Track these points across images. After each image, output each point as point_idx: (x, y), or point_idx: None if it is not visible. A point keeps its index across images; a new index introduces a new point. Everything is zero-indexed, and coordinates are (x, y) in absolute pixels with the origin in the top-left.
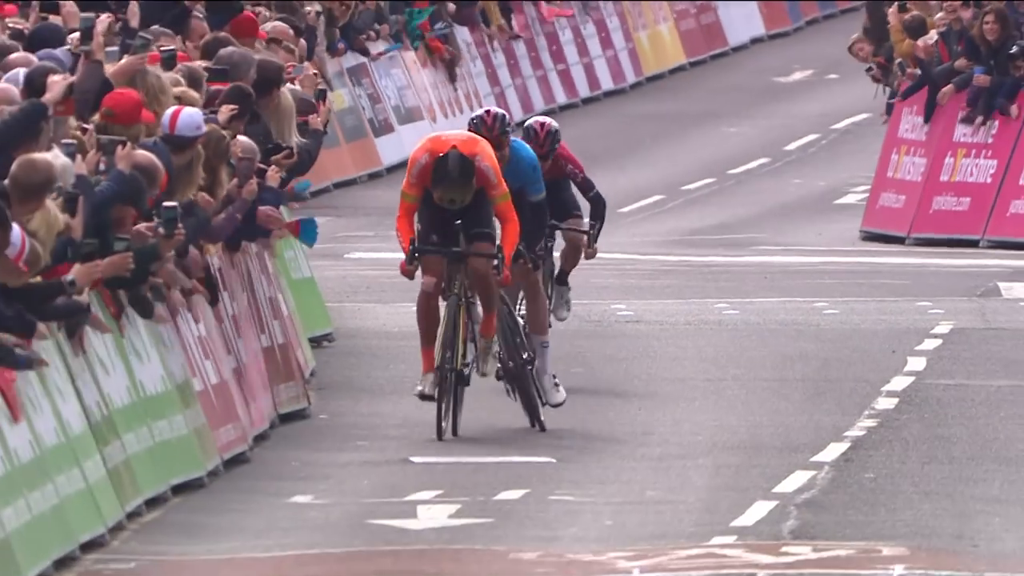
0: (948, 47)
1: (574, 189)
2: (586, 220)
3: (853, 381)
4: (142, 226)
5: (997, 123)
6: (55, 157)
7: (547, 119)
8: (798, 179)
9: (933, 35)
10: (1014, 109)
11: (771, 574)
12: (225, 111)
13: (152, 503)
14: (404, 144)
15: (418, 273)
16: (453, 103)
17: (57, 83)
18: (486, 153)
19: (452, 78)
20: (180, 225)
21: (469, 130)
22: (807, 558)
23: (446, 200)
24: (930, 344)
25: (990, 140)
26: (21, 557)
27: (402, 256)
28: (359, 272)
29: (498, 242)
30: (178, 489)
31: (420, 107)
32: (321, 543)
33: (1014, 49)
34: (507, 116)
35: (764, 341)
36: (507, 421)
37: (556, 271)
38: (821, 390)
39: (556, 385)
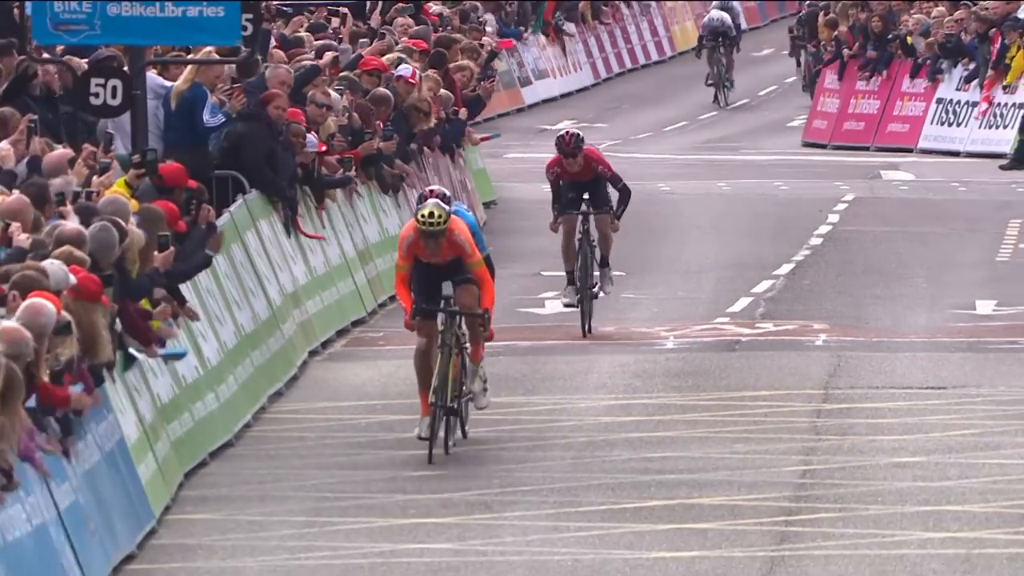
0: (853, 35)
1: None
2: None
3: (797, 228)
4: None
5: (879, 79)
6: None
7: (572, 129)
8: (766, 111)
9: (844, 28)
10: (886, 72)
11: (750, 339)
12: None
13: (393, 298)
14: (538, 91)
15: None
16: (564, 67)
17: (329, 55)
18: (460, 229)
19: (564, 52)
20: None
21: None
22: (770, 330)
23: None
24: (841, 207)
25: (876, 89)
26: (318, 328)
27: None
28: (511, 165)
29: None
30: (390, 299)
31: (547, 69)
32: None
33: (890, 36)
34: (446, 193)
35: (746, 205)
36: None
37: (599, 256)
38: (779, 233)
39: (485, 391)
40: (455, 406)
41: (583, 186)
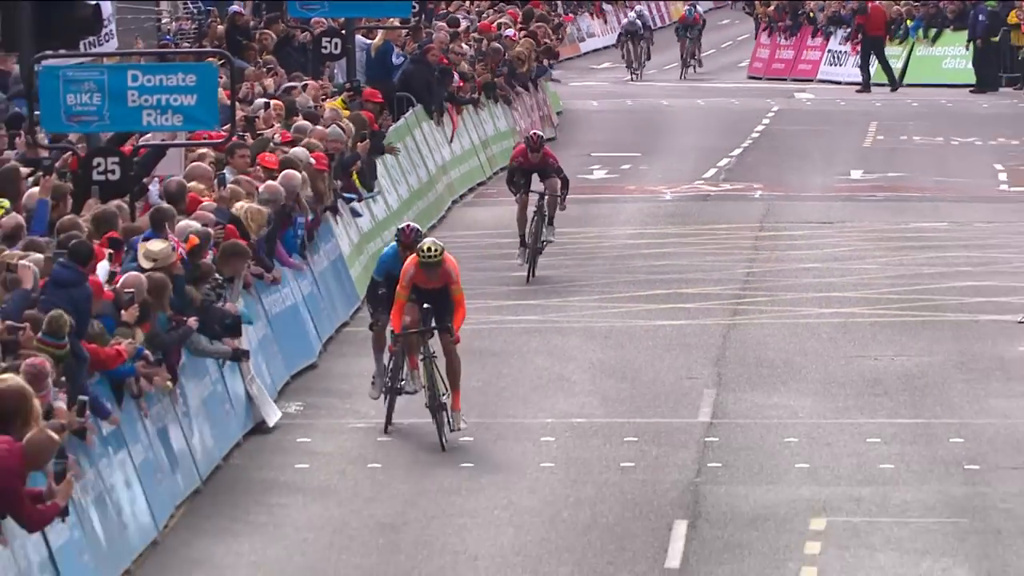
0: (777, 11)
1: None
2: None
3: (744, 127)
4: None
5: (795, 37)
6: None
7: (538, 132)
8: (724, 58)
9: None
10: (798, 33)
11: (716, 193)
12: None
13: (503, 169)
14: (589, 45)
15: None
16: (604, 30)
17: (464, 23)
18: (451, 261)
19: (604, 21)
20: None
21: (397, 239)
22: (728, 188)
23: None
24: (771, 114)
25: (791, 43)
26: (457, 187)
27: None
28: (572, 89)
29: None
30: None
31: (594, 32)
32: None
33: (800, 12)
34: (419, 228)
35: (714, 114)
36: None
37: (547, 216)
38: (734, 131)
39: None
40: (445, 402)
41: (532, 172)
